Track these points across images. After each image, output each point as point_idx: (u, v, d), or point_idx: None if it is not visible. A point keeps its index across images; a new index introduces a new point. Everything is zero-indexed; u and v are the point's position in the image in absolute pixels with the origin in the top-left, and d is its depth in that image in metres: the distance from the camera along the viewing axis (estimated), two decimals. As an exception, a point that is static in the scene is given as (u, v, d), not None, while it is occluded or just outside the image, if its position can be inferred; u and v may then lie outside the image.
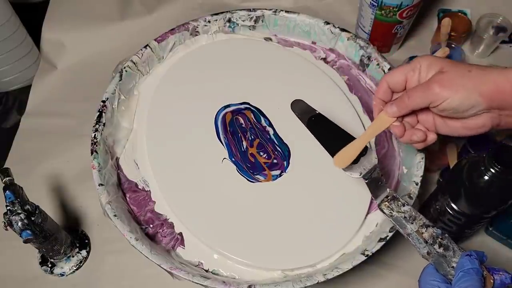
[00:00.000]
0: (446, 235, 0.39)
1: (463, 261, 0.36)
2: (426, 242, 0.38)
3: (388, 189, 0.42)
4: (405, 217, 0.40)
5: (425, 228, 0.39)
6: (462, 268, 0.36)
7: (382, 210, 0.42)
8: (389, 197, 0.41)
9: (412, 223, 0.39)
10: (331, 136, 0.44)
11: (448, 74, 0.38)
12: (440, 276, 0.38)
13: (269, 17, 0.62)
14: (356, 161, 0.41)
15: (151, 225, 0.50)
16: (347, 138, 0.43)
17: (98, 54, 0.74)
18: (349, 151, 0.41)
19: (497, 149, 0.42)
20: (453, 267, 0.37)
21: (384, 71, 0.56)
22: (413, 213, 0.40)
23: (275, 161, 0.53)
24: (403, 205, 0.41)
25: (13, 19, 0.66)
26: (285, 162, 0.52)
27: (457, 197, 0.46)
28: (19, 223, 0.44)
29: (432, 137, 0.42)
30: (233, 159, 0.53)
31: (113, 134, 0.54)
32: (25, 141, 0.66)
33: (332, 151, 0.42)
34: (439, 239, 0.38)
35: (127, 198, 0.52)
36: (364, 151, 0.41)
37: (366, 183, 0.42)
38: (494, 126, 0.39)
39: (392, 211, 0.41)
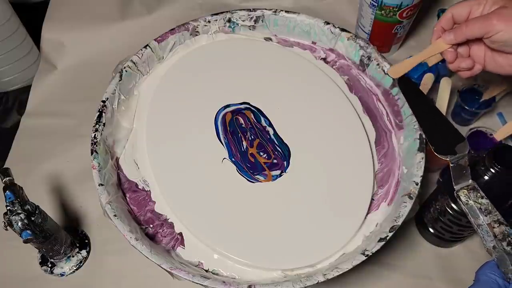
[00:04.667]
0: None
1: None
2: (495, 236, 0.40)
3: (470, 180, 0.43)
4: (480, 208, 0.41)
5: (498, 224, 0.40)
6: None
7: (458, 196, 0.43)
8: (469, 187, 0.42)
9: (486, 216, 0.41)
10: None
11: (509, 9, 0.41)
12: (499, 272, 0.40)
13: (269, 17, 0.62)
14: (451, 146, 0.44)
15: (151, 225, 0.50)
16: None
17: (98, 54, 0.74)
18: (403, 65, 0.48)
19: (497, 149, 0.42)
20: None
21: (384, 71, 0.56)
22: (490, 207, 0.41)
23: (275, 161, 0.53)
24: (482, 198, 0.42)
25: (13, 19, 0.66)
26: (285, 162, 0.52)
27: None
28: (19, 223, 0.44)
29: (478, 67, 0.46)
30: (233, 159, 0.53)
31: (113, 134, 0.54)
32: (25, 141, 0.66)
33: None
34: (509, 238, 0.39)
35: (127, 198, 0.52)
36: (461, 140, 0.44)
37: (451, 167, 0.43)
38: None
39: (468, 200, 0.42)
